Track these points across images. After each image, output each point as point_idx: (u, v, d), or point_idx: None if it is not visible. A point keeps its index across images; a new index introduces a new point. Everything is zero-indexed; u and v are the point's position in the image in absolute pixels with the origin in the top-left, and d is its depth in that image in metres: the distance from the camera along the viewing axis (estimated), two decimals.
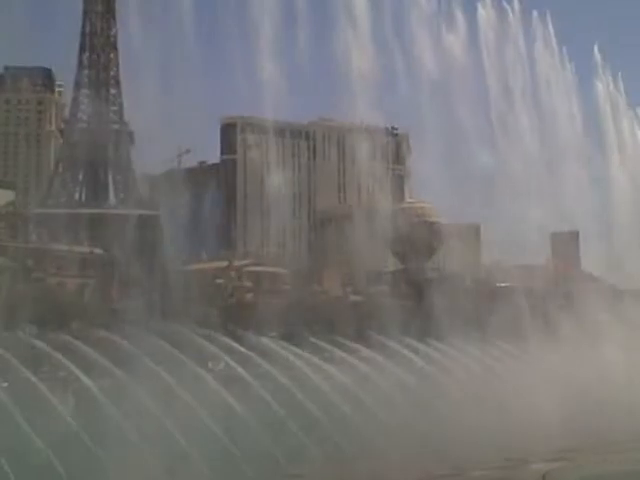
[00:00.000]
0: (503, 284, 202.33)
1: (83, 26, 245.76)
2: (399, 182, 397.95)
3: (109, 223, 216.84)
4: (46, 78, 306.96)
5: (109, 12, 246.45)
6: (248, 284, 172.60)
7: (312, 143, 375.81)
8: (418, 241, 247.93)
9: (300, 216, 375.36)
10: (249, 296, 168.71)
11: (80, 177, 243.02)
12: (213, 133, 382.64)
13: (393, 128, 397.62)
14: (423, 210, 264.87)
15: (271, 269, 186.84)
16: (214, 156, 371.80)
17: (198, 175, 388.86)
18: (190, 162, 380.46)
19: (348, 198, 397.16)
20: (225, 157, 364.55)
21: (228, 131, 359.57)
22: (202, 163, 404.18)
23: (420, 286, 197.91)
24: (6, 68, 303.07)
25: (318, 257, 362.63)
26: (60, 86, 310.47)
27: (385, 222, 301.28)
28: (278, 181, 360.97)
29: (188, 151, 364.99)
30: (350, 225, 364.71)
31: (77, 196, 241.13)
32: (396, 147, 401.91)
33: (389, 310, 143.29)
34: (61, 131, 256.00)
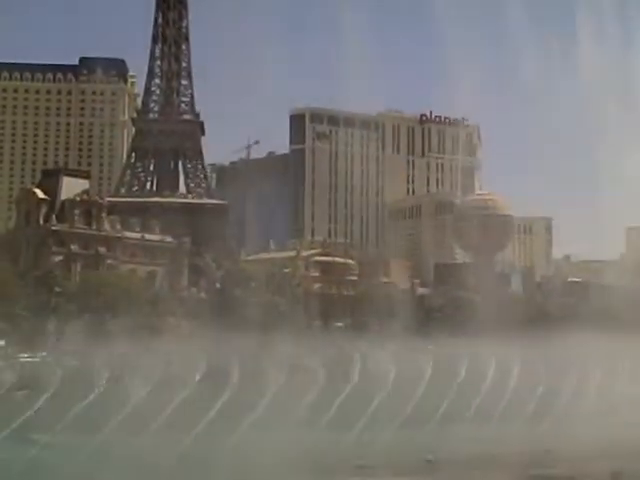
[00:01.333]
0: (575, 279, 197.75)
1: (155, 17, 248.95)
2: (469, 174, 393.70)
3: (179, 212, 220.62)
4: (119, 69, 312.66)
5: (181, 3, 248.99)
6: (316, 274, 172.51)
7: (381, 134, 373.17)
8: (488, 234, 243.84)
9: (368, 207, 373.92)
10: (316, 286, 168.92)
11: (151, 166, 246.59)
12: (282, 124, 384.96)
13: (464, 119, 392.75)
14: (494, 202, 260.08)
15: (339, 259, 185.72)
16: (283, 147, 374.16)
17: (267, 165, 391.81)
18: (259, 152, 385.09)
19: (417, 189, 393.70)
20: (294, 147, 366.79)
21: (297, 122, 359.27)
22: (271, 153, 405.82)
23: (490, 280, 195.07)
24: (81, 59, 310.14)
25: (386, 248, 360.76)
26: (133, 77, 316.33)
27: (454, 214, 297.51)
28: (347, 172, 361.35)
29: (257, 142, 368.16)
30: (418, 217, 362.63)
31: (148, 185, 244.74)
32: (466, 138, 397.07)
33: (458, 304, 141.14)
34: (133, 121, 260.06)
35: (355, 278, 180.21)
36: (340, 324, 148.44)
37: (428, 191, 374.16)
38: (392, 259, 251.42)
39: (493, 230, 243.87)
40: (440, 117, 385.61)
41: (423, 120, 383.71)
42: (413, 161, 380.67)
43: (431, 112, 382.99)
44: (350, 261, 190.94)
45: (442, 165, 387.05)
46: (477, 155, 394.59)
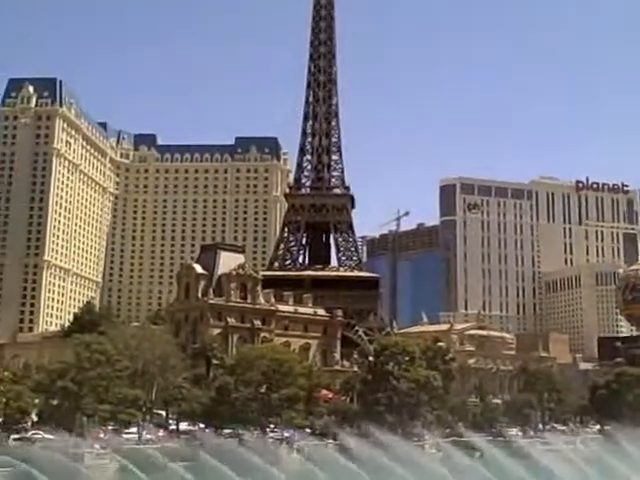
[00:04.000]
0: None
1: (306, 96, 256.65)
2: (632, 242, 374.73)
3: (331, 285, 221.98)
4: (272, 147, 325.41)
5: (330, 82, 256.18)
6: (470, 348, 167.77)
7: (535, 202, 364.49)
8: None
9: (524, 278, 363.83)
10: (471, 360, 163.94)
11: (304, 240, 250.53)
12: (432, 195, 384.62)
13: (624, 185, 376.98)
14: None
15: (494, 333, 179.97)
16: (433, 218, 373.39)
17: (417, 237, 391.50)
18: (409, 224, 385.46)
19: (575, 259, 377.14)
20: (444, 219, 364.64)
21: (447, 192, 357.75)
22: (421, 225, 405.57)
23: None
24: (237, 139, 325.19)
25: (544, 321, 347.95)
26: (285, 154, 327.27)
27: (617, 284, 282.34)
28: (499, 242, 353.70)
29: (407, 213, 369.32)
30: (578, 288, 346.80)
31: (301, 259, 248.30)
32: (627, 205, 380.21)
33: (627, 380, 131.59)
34: (286, 196, 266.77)
35: (512, 352, 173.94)
36: (497, 401, 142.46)
37: (587, 260, 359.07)
38: (551, 332, 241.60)
39: None
40: (598, 183, 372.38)
41: (579, 187, 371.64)
42: (570, 229, 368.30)
43: (587, 178, 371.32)
44: (506, 335, 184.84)
45: (602, 233, 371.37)
46: None
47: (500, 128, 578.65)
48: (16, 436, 75.21)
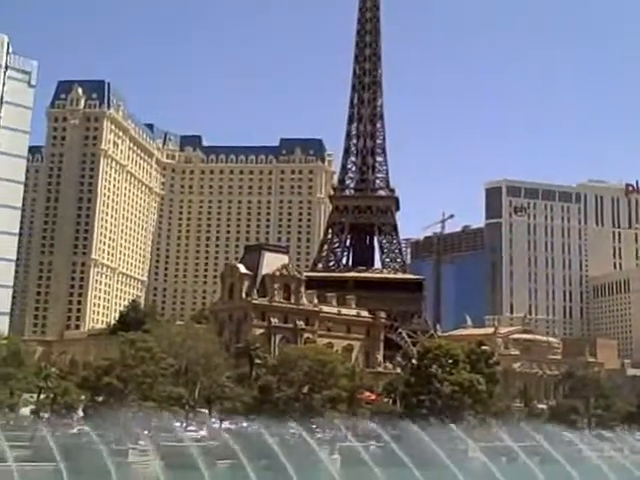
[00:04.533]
0: None
1: (351, 98, 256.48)
2: None
3: (374, 287, 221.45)
4: (317, 148, 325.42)
5: (375, 84, 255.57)
6: (515, 352, 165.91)
7: (583, 206, 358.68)
8: None
9: (571, 282, 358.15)
10: (516, 365, 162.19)
11: (347, 242, 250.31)
12: (477, 197, 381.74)
13: None
14: None
15: (540, 337, 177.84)
16: (478, 220, 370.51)
17: (462, 239, 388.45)
18: (454, 227, 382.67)
19: (624, 264, 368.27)
20: (490, 221, 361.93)
21: (493, 195, 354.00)
22: (466, 227, 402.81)
23: None
24: (281, 140, 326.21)
25: (591, 325, 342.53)
26: (330, 155, 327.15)
27: None
28: (546, 245, 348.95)
29: (452, 216, 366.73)
30: (627, 292, 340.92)
31: (344, 260, 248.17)
32: None
33: None
34: (330, 198, 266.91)
35: (558, 357, 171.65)
36: (542, 406, 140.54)
37: (637, 265, 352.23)
38: (598, 337, 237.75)
39: None
40: None
41: (629, 190, 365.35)
42: (619, 233, 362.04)
43: (637, 182, 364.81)
44: (553, 339, 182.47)
45: None
46: None
47: (547, 130, 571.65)
48: (73, 431, 76.11)
